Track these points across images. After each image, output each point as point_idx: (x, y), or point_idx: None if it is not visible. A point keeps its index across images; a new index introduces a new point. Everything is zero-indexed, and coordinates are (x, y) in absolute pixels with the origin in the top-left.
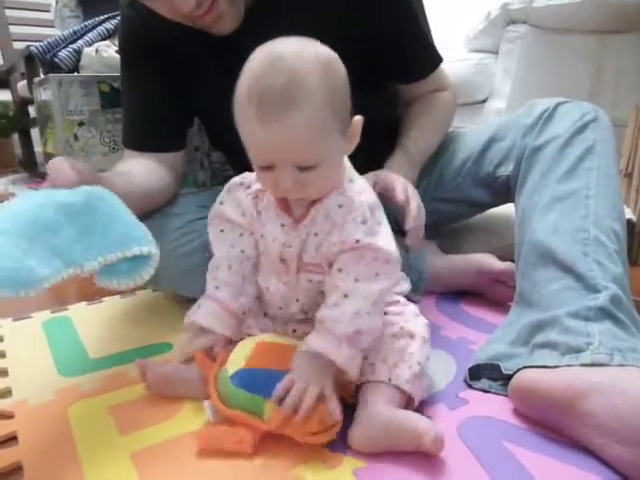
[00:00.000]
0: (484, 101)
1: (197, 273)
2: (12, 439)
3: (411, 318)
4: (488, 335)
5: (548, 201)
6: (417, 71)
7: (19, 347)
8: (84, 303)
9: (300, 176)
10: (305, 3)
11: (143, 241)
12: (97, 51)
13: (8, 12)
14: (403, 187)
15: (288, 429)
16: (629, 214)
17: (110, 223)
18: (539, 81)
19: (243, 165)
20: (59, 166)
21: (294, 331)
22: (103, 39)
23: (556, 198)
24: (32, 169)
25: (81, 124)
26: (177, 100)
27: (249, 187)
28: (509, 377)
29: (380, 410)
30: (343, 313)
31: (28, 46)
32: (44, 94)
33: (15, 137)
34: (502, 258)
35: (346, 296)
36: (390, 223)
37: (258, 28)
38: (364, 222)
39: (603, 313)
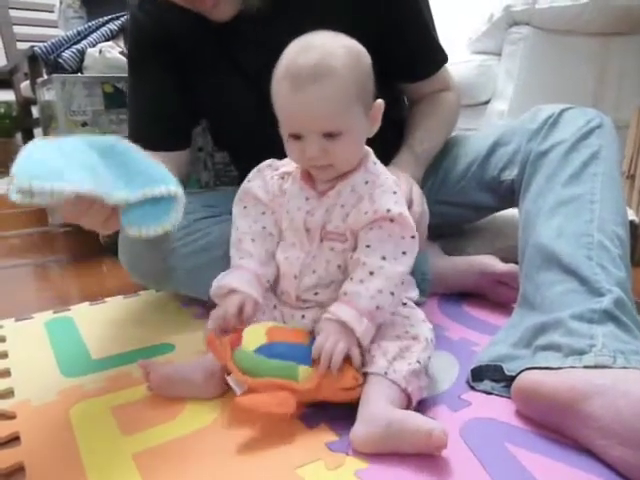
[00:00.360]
0: (487, 103)
1: (201, 273)
2: (14, 439)
3: (417, 323)
4: (490, 337)
5: (553, 205)
6: (423, 69)
7: (21, 347)
8: (86, 303)
9: (326, 144)
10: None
11: (168, 181)
12: (101, 52)
13: (12, 12)
14: (408, 187)
15: (323, 388)
16: (632, 215)
17: (135, 162)
18: (542, 83)
19: (246, 165)
20: None
21: (303, 317)
22: (107, 40)
23: (561, 202)
24: None
25: (84, 125)
26: (184, 98)
27: (277, 169)
28: (512, 379)
29: (381, 410)
30: (368, 289)
31: (32, 46)
32: (47, 94)
33: (18, 137)
34: (505, 259)
35: (372, 274)
36: None
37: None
38: (394, 192)
39: (607, 316)
